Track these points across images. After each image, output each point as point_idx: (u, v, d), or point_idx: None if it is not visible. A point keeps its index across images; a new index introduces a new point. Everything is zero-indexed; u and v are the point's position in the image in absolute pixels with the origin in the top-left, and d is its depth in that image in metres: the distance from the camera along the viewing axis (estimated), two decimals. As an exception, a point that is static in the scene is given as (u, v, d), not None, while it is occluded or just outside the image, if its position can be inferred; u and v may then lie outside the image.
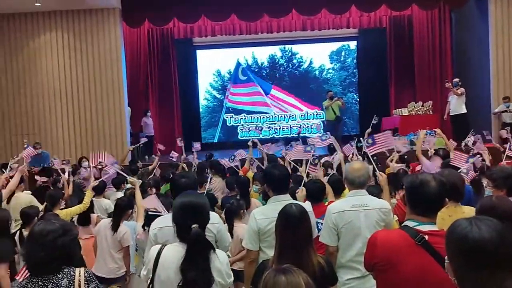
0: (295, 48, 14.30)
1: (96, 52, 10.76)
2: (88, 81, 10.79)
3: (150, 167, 7.44)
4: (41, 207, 5.08)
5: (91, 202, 4.80)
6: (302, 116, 14.05)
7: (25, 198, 5.33)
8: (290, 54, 14.39)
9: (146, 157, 10.97)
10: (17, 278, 2.55)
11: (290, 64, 14.44)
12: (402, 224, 2.23)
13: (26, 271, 2.33)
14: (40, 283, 2.13)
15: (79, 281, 2.17)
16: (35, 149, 9.02)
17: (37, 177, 6.67)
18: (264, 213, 2.98)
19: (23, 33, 10.71)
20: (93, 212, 4.97)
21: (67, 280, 2.16)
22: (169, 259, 2.20)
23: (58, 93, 10.77)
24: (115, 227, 4.12)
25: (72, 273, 2.19)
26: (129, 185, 6.15)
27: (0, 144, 10.70)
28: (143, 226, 3.58)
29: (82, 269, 2.24)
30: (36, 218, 4.22)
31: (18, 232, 4.25)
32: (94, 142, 10.70)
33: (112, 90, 10.81)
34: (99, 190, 5.49)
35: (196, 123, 14.11)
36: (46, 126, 10.77)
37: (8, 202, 5.11)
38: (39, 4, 10.05)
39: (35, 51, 10.73)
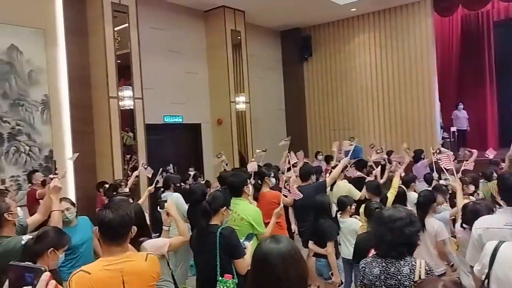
0: None
1: (406, 47, 10.86)
2: (398, 77, 11.03)
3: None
4: (357, 195, 5.55)
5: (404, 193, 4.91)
6: None
7: (344, 186, 5.90)
8: None
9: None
10: None
11: None
12: None
13: None
14: (383, 264, 2.29)
15: (419, 272, 2.19)
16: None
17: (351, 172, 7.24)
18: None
19: (340, 38, 11.90)
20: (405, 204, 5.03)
21: (409, 268, 2.21)
22: (508, 257, 2.05)
23: (370, 90, 11.46)
24: (421, 222, 3.96)
25: (413, 263, 2.23)
26: (442, 181, 5.95)
27: (322, 138, 12.28)
28: (461, 225, 3.36)
29: (423, 261, 2.25)
30: (349, 206, 4.62)
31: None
32: (403, 136, 10.86)
33: (422, 83, 10.70)
34: (408, 183, 5.56)
35: (519, 115, 12.20)
36: (359, 121, 11.67)
37: (331, 189, 5.78)
38: (355, 9, 10.95)
39: (350, 53, 11.75)
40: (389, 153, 8.41)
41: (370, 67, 11.44)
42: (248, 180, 4.00)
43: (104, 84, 7.31)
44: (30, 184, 6.15)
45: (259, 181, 5.13)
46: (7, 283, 1.13)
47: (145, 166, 6.44)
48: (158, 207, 3.35)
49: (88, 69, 7.53)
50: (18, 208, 3.22)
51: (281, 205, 3.91)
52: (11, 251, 2.70)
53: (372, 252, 2.52)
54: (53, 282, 1.12)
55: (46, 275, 1.11)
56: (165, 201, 3.38)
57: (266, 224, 3.92)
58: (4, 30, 6.41)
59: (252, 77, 10.70)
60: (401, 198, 4.81)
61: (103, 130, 7.41)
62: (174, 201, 4.03)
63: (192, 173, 7.71)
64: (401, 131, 11.03)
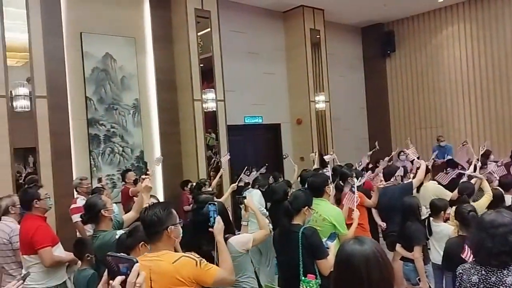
0: None
1: (501, 37, 10.03)
2: (492, 70, 10.21)
3: None
4: (448, 198, 5.21)
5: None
6: None
7: (432, 188, 5.57)
8: None
9: None
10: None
11: None
12: None
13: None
14: (483, 272, 2.11)
15: None
16: (438, 141, 9.34)
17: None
18: None
19: (426, 31, 11.28)
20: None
21: None
22: None
23: (460, 85, 10.73)
24: None
25: None
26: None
27: (406, 137, 11.71)
28: None
29: None
30: (443, 211, 4.34)
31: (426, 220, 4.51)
32: (499, 133, 10.05)
33: (520, 77, 9.81)
34: (507, 186, 5.14)
35: None
36: (447, 118, 10.97)
37: (418, 191, 5.50)
38: (442, 0, 10.32)
39: (437, 47, 11.09)
40: (487, 152, 7.76)
41: (460, 60, 10.71)
42: (329, 180, 3.95)
43: (189, 87, 7.63)
44: (123, 183, 6.60)
45: (340, 182, 5.04)
46: (106, 272, 1.22)
47: (226, 157, 6.68)
48: (239, 203, 3.45)
49: (174, 74, 7.91)
50: (114, 205, 3.49)
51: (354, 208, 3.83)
52: (107, 244, 2.94)
53: (467, 252, 2.34)
54: (143, 273, 1.19)
55: (137, 265, 1.19)
56: (244, 197, 3.46)
57: (348, 225, 3.83)
58: (100, 40, 6.97)
59: (332, 75, 10.53)
60: (497, 201, 4.45)
61: (188, 131, 7.74)
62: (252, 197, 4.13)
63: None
64: (496, 129, 10.18)
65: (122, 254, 1.25)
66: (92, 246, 3.27)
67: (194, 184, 6.61)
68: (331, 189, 3.94)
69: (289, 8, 9.91)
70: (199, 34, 7.79)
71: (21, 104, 5.67)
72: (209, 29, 7.94)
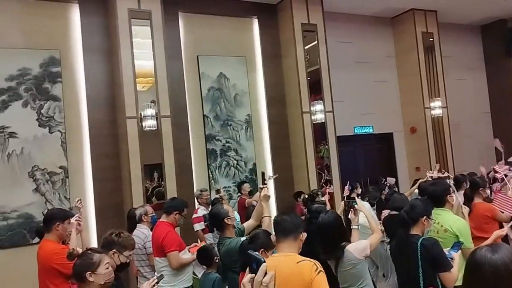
0: None
1: None
2: None
3: None
4: None
5: None
6: None
7: None
8: None
9: None
10: None
11: None
12: None
13: None
14: None
15: None
16: None
17: None
18: None
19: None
20: None
21: None
22: None
23: None
24: None
25: None
26: None
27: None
28: None
29: None
30: None
31: None
32: None
33: None
34: None
35: None
36: None
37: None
38: None
39: None
40: None
41: None
42: (451, 189, 3.71)
43: (297, 100, 7.76)
44: (239, 194, 6.93)
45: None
46: (248, 268, 1.34)
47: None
48: (348, 207, 3.45)
49: (283, 89, 8.12)
50: (235, 213, 3.71)
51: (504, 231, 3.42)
52: (233, 250, 3.18)
53: None
54: (271, 272, 1.27)
55: (264, 265, 1.27)
56: (355, 201, 3.44)
57: (476, 239, 3.55)
58: (214, 61, 7.48)
59: (449, 79, 9.86)
60: None
61: (298, 144, 7.85)
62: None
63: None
64: None
65: (256, 253, 1.34)
66: (214, 252, 3.52)
67: (307, 195, 6.67)
68: (453, 198, 3.69)
69: (398, 13, 9.58)
70: (306, 47, 7.91)
71: (149, 124, 6.30)
72: (315, 42, 8.02)
